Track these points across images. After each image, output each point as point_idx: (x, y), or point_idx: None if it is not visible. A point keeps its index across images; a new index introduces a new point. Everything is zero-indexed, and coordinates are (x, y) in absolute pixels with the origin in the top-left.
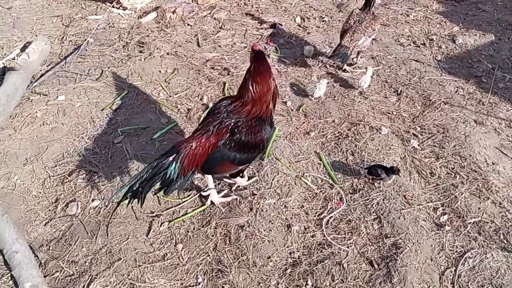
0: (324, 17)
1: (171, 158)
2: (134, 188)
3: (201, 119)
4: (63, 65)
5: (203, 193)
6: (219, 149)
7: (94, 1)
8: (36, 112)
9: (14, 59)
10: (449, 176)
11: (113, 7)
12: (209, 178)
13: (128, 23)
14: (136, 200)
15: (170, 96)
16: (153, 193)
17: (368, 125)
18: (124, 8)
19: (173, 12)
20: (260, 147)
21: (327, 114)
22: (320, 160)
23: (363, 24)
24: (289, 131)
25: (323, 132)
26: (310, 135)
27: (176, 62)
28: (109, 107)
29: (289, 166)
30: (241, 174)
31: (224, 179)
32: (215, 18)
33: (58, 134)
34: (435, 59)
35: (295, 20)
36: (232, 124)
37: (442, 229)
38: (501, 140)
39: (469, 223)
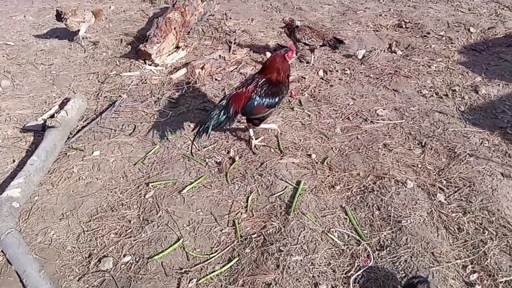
0: (346, 70)
1: (224, 102)
2: (203, 126)
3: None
4: (98, 121)
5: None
6: (253, 98)
7: (128, 58)
8: (73, 167)
9: (53, 115)
10: (477, 232)
11: (145, 64)
12: (250, 131)
13: (159, 79)
14: (205, 134)
15: (198, 150)
16: (212, 129)
17: (393, 178)
18: (156, 65)
19: (201, 68)
20: (280, 95)
21: (352, 167)
22: (346, 214)
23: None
24: (314, 184)
25: (348, 185)
26: (336, 189)
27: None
28: (141, 162)
29: (315, 221)
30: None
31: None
32: (241, 73)
33: (92, 189)
34: (459, 110)
35: (318, 73)
36: (259, 82)
37: None
38: None
39: (501, 282)
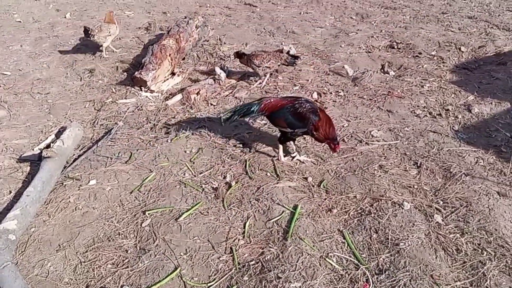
0: (340, 92)
1: (256, 102)
2: (230, 114)
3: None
4: (94, 149)
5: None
6: (283, 109)
7: (124, 85)
8: (69, 197)
9: (49, 145)
10: (476, 253)
11: (141, 90)
12: (292, 144)
13: (155, 105)
14: (230, 119)
15: (195, 176)
16: (238, 116)
17: (390, 200)
18: (152, 91)
19: (197, 94)
20: (304, 122)
21: (348, 189)
22: (344, 238)
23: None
24: (311, 208)
25: (345, 208)
26: (333, 212)
27: (201, 142)
28: (137, 190)
29: (313, 246)
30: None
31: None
32: (236, 97)
33: (89, 218)
34: (453, 129)
35: (312, 95)
36: (299, 101)
37: None
38: None
39: None
